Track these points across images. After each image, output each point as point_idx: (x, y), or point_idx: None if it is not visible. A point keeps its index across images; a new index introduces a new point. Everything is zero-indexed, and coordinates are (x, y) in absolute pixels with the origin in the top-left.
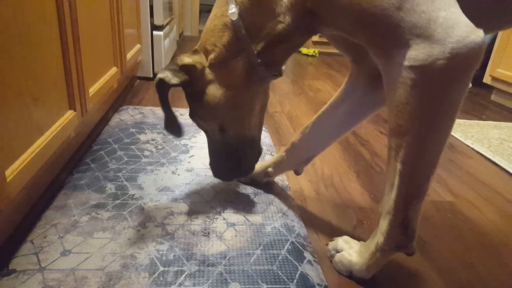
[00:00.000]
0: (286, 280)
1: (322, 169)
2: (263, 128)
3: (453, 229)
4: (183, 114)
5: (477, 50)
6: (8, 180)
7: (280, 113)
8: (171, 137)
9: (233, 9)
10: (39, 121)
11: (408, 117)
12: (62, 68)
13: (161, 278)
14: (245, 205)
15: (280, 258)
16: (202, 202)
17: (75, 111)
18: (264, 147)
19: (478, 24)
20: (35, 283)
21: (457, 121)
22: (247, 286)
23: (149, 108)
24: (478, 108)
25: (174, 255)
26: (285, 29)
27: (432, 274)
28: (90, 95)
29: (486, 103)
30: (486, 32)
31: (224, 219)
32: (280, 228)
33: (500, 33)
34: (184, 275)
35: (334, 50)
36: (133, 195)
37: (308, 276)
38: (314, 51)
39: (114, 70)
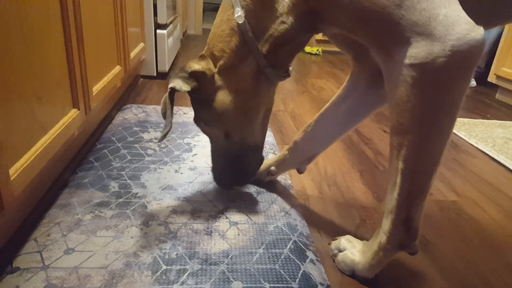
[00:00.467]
0: (289, 279)
1: (325, 168)
2: None
3: (456, 229)
4: (186, 113)
5: (478, 47)
6: (12, 179)
7: (283, 112)
8: (174, 135)
9: (239, 13)
10: (42, 120)
11: (409, 115)
12: (66, 67)
13: (164, 277)
14: (248, 204)
15: (282, 257)
16: (205, 201)
17: (78, 110)
18: (267, 146)
19: (480, 21)
20: (38, 281)
21: (462, 120)
22: (250, 285)
23: (153, 106)
24: (483, 107)
25: (176, 254)
26: (288, 29)
27: (435, 274)
28: (93, 94)
29: (491, 102)
30: (487, 27)
31: (226, 218)
32: (283, 227)
33: (505, 32)
34: (186, 274)
35: (338, 49)
36: (136, 193)
37: (311, 276)
38: (317, 50)
39: (117, 69)
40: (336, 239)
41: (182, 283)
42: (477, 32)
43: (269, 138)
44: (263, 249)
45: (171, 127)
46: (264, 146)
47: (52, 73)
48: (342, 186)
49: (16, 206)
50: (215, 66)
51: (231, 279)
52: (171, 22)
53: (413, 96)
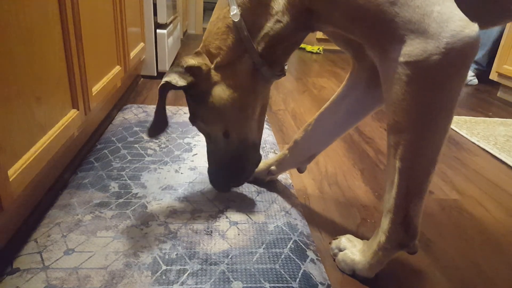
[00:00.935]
0: (289, 279)
1: (326, 167)
2: (267, 126)
3: (458, 227)
4: (186, 113)
5: (472, 44)
6: (11, 180)
7: (284, 111)
8: (174, 135)
9: (235, 10)
10: (41, 120)
11: (405, 113)
12: (65, 67)
13: (164, 277)
14: (248, 204)
15: (282, 257)
16: (205, 201)
17: (78, 110)
18: (267, 145)
19: (475, 19)
20: (38, 282)
21: (463, 118)
22: (250, 285)
23: (153, 106)
24: (484, 105)
25: (176, 254)
26: (283, 28)
27: (437, 273)
28: (93, 94)
29: (493, 100)
30: (486, 26)
31: (227, 217)
32: (283, 227)
33: (506, 30)
34: (186, 274)
35: (339, 47)
36: (136, 193)
37: (311, 275)
38: (318, 49)
39: (117, 69)
40: (337, 239)
41: (182, 283)
42: (471, 29)
43: (270, 137)
44: (263, 248)
45: (165, 123)
46: (265, 146)
47: (51, 74)
48: (343, 185)
49: (16, 207)
50: (212, 63)
51: (231, 279)
52: (171, 22)
53: (408, 94)
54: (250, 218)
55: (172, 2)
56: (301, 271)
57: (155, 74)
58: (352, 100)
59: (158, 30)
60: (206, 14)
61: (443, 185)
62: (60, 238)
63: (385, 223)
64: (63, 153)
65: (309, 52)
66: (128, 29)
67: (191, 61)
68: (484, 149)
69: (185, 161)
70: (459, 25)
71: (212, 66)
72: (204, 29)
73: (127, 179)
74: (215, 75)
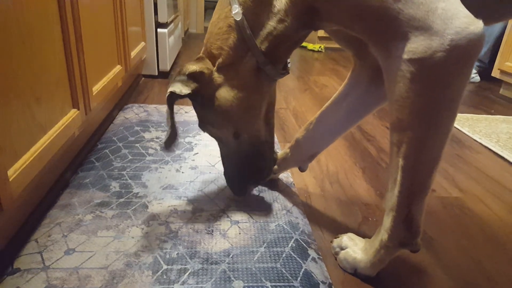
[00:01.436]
0: (290, 277)
1: (327, 165)
2: None
3: (460, 225)
4: (187, 112)
5: (477, 42)
6: (10, 180)
7: (286, 110)
8: None
9: (236, 9)
10: (41, 120)
11: (408, 111)
12: (65, 67)
13: (165, 277)
14: (249, 203)
15: (284, 255)
16: (206, 200)
17: (78, 110)
18: None
19: (479, 15)
20: (39, 282)
21: (465, 115)
22: (251, 284)
23: (154, 106)
24: (487, 102)
25: (177, 253)
26: (287, 26)
27: (439, 271)
28: (93, 94)
29: (495, 97)
30: (489, 22)
31: (228, 217)
32: (284, 226)
33: (509, 27)
34: (187, 273)
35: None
36: (137, 193)
37: (312, 274)
38: (320, 47)
39: (118, 68)
40: (338, 237)
41: (183, 283)
42: (476, 25)
43: None
44: (265, 247)
45: (176, 133)
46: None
47: (51, 73)
48: (344, 183)
49: (16, 207)
50: (214, 65)
51: (232, 278)
52: (172, 21)
53: (412, 92)
54: (251, 217)
55: (173, 1)
56: (303, 270)
57: (156, 74)
58: (354, 99)
59: (159, 29)
60: (207, 13)
61: (445, 182)
62: (60, 238)
63: (387, 221)
64: (64, 153)
65: (311, 50)
66: (129, 28)
67: (192, 67)
68: (486, 147)
69: (186, 160)
70: (464, 22)
71: (214, 68)
72: (206, 28)
73: (128, 179)
74: (218, 77)
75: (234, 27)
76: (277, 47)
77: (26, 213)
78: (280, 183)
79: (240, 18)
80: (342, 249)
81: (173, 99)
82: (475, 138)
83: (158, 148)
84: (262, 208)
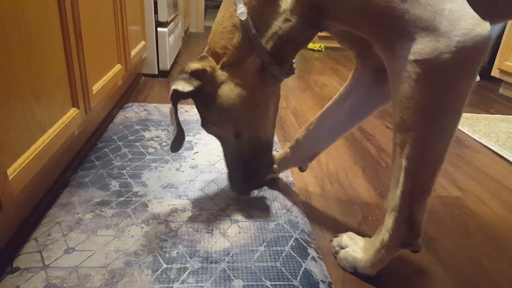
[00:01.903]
0: (290, 276)
1: (327, 165)
2: None
3: (460, 225)
4: (187, 111)
5: (484, 43)
6: (10, 178)
7: (286, 109)
8: None
9: (242, 9)
10: (41, 119)
11: (413, 112)
12: (65, 66)
13: (164, 275)
14: (249, 202)
15: (283, 254)
16: (206, 199)
17: (78, 108)
18: None
19: (486, 14)
20: (38, 281)
21: (465, 115)
22: (251, 282)
23: (154, 105)
24: (486, 101)
25: (177, 252)
26: (292, 26)
27: (439, 270)
28: (93, 93)
29: (494, 97)
30: (492, 22)
31: (227, 216)
32: (284, 225)
33: (508, 27)
34: (187, 272)
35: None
36: (137, 192)
37: (312, 273)
38: (320, 46)
39: (118, 67)
40: (338, 236)
41: (183, 282)
42: (483, 27)
43: None
44: (264, 246)
45: (181, 133)
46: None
47: (51, 72)
48: (344, 183)
49: (16, 206)
50: (218, 64)
51: (232, 277)
52: (172, 20)
53: (417, 93)
54: (251, 216)
55: (173, 0)
56: (302, 269)
57: (156, 73)
58: (355, 99)
59: (159, 28)
60: (208, 13)
61: (444, 182)
62: (60, 237)
63: (388, 221)
64: (64, 152)
65: (311, 49)
66: (129, 27)
67: (195, 65)
68: (486, 146)
69: (186, 159)
70: (470, 23)
71: (218, 66)
72: (206, 27)
73: (128, 178)
74: (221, 75)
75: (239, 26)
76: (282, 47)
77: (26, 212)
78: (280, 182)
79: (245, 17)
80: (342, 248)
81: (177, 98)
82: (474, 137)
83: (158, 147)
84: (262, 207)
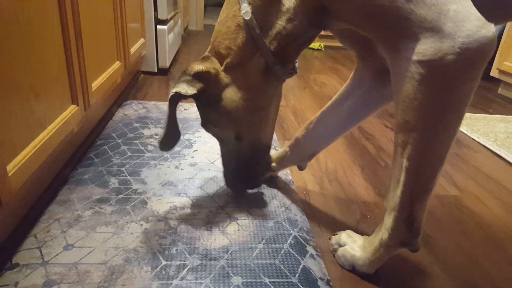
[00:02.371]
0: (288, 274)
1: (326, 163)
2: None
3: (458, 224)
4: (187, 109)
5: (488, 45)
6: (10, 175)
7: (285, 108)
8: None
9: (246, 8)
10: (40, 116)
11: (415, 113)
12: (64, 63)
13: (163, 272)
14: (248, 200)
15: (282, 252)
16: (205, 197)
17: (77, 105)
18: None
19: (491, 16)
20: (38, 277)
21: None
22: (249, 280)
23: (153, 102)
24: (485, 101)
25: (176, 249)
26: (296, 26)
27: (437, 269)
28: (93, 90)
29: (493, 97)
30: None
31: (227, 213)
32: (283, 222)
33: (508, 27)
34: (186, 269)
35: (340, 44)
36: (136, 189)
37: (311, 270)
38: (319, 45)
39: (117, 64)
40: (337, 234)
41: (182, 279)
42: (488, 29)
43: None
44: (263, 244)
45: (178, 134)
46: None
47: (50, 69)
48: (343, 181)
49: (15, 202)
50: (221, 64)
51: (231, 274)
52: (171, 18)
53: (420, 94)
54: (250, 213)
55: None
56: (301, 266)
57: (156, 70)
58: (356, 100)
59: (158, 26)
60: (207, 10)
61: (443, 181)
62: (59, 234)
63: (388, 220)
64: (63, 149)
65: (311, 48)
66: (128, 24)
67: (198, 67)
68: (484, 146)
69: (185, 157)
70: (475, 25)
71: (222, 68)
72: (205, 25)
73: (127, 175)
74: (225, 77)
75: (243, 26)
76: (286, 47)
77: (25, 208)
78: (279, 181)
79: (249, 17)
80: (340, 246)
81: (176, 99)
82: (473, 137)
83: (157, 145)
84: (261, 205)
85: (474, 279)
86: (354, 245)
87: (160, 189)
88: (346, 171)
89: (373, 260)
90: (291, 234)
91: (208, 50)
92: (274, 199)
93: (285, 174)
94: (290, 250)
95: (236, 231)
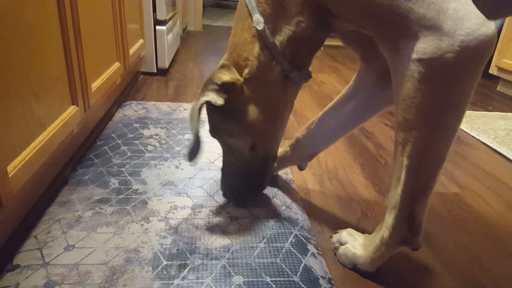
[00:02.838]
0: (290, 272)
1: (326, 162)
2: None
3: (458, 221)
4: (186, 109)
5: (488, 43)
6: (10, 176)
7: None
8: (174, 131)
9: (258, 19)
10: (40, 117)
11: (415, 111)
12: (64, 64)
13: (165, 272)
14: (249, 199)
15: (283, 251)
16: (205, 196)
17: (77, 106)
18: None
19: (490, 12)
20: (39, 278)
21: None
22: (251, 279)
23: (153, 103)
24: (484, 99)
25: (177, 249)
26: (304, 28)
27: (438, 266)
28: (92, 91)
29: (492, 94)
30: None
31: (227, 212)
32: (284, 221)
33: (506, 23)
34: (187, 269)
35: (339, 43)
36: (137, 189)
37: (312, 269)
38: None
39: (117, 65)
40: (338, 233)
41: (183, 278)
42: (487, 27)
43: None
44: (264, 243)
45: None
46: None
47: (50, 70)
48: (343, 179)
49: (16, 203)
50: (240, 75)
51: (232, 274)
52: (170, 18)
53: (420, 92)
54: (250, 213)
55: None
56: (302, 265)
57: (155, 71)
58: (358, 102)
59: (157, 27)
60: (206, 11)
61: (443, 178)
62: (60, 235)
63: (389, 219)
64: (63, 150)
65: None
66: (128, 25)
67: (225, 77)
68: (484, 143)
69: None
70: (474, 23)
71: (243, 80)
72: (204, 26)
73: (127, 175)
74: (246, 90)
75: (258, 36)
76: (299, 52)
77: (26, 209)
78: (279, 180)
79: (262, 27)
80: (341, 244)
81: (201, 109)
82: (473, 134)
83: (157, 145)
84: (261, 204)
85: (475, 276)
86: (355, 244)
87: (160, 189)
88: (346, 169)
89: (374, 259)
90: (292, 233)
91: (225, 58)
92: (275, 198)
93: (286, 173)
94: (291, 249)
95: (237, 230)
